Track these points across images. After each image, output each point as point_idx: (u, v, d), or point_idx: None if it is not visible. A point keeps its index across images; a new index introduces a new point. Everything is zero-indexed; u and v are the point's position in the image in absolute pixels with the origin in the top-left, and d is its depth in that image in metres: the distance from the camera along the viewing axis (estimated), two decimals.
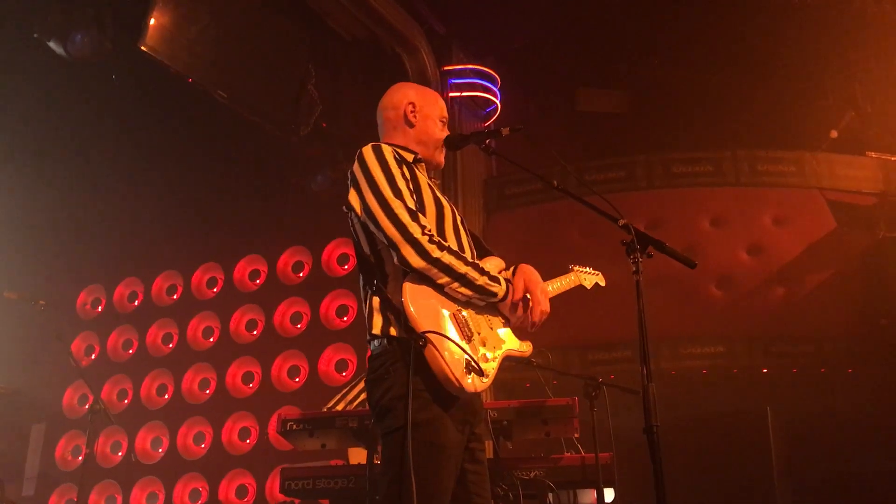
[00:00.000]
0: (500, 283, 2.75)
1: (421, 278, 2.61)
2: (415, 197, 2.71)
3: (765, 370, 7.31)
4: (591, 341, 7.37)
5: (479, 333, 2.68)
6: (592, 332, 7.23)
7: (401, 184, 2.67)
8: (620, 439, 4.37)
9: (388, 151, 2.76)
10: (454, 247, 2.74)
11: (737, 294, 7.39)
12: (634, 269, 2.64)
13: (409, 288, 2.58)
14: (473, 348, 2.62)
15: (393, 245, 2.59)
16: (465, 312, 2.69)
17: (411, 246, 2.57)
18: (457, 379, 2.49)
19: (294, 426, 4.29)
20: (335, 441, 4.33)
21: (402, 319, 2.55)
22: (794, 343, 7.31)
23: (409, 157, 2.89)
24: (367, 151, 2.76)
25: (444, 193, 3.11)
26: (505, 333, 2.82)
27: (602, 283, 3.55)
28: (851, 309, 7.28)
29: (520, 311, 2.82)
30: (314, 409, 5.72)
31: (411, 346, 2.50)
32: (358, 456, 4.85)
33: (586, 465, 4.11)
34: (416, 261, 2.57)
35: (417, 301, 2.57)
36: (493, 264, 2.94)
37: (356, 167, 2.75)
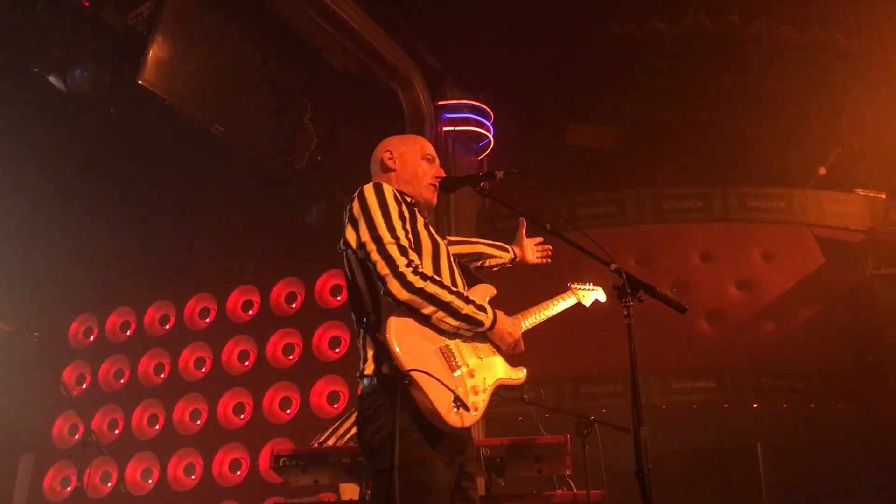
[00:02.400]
0: (486, 312, 2.80)
1: (407, 313, 2.67)
2: (410, 234, 2.80)
3: (755, 405, 7.34)
4: (583, 374, 7.39)
5: (466, 366, 2.72)
6: (584, 365, 7.27)
7: (396, 222, 2.76)
8: (612, 476, 4.39)
9: (388, 190, 2.85)
10: (447, 282, 2.80)
11: (727, 329, 7.45)
12: (626, 313, 2.69)
13: (393, 323, 2.65)
14: (461, 381, 2.66)
15: (381, 279, 2.67)
16: (451, 345, 2.73)
17: (397, 279, 2.64)
18: (444, 415, 2.53)
19: (287, 462, 4.29)
20: (328, 477, 4.32)
21: (389, 357, 2.60)
22: (784, 378, 7.36)
23: (409, 199, 3.01)
24: (368, 189, 2.84)
25: (437, 227, 3.19)
26: (495, 362, 2.85)
27: (602, 300, 3.56)
28: (840, 344, 7.35)
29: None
30: (305, 441, 5.72)
31: (398, 384, 2.55)
32: (350, 492, 4.84)
33: (578, 502, 4.12)
34: (400, 292, 2.64)
35: (402, 338, 2.62)
36: (482, 291, 3.00)
37: (356, 204, 2.82)
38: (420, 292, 2.65)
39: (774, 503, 6.42)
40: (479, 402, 2.68)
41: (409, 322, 2.67)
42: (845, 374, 7.28)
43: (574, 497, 4.18)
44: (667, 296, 2.73)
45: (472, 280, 3.10)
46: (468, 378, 2.70)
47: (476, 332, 2.82)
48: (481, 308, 2.79)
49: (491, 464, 4.12)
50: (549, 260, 3.58)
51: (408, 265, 2.67)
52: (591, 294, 3.59)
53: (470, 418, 2.61)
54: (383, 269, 2.67)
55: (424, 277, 2.68)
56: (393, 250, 2.69)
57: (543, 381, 5.21)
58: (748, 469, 6.18)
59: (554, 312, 3.31)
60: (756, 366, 7.37)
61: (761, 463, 6.19)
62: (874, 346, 7.20)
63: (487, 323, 2.79)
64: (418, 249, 2.81)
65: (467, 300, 2.76)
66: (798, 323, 7.41)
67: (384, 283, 2.66)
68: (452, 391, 2.56)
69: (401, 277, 2.65)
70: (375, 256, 2.69)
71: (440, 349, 2.69)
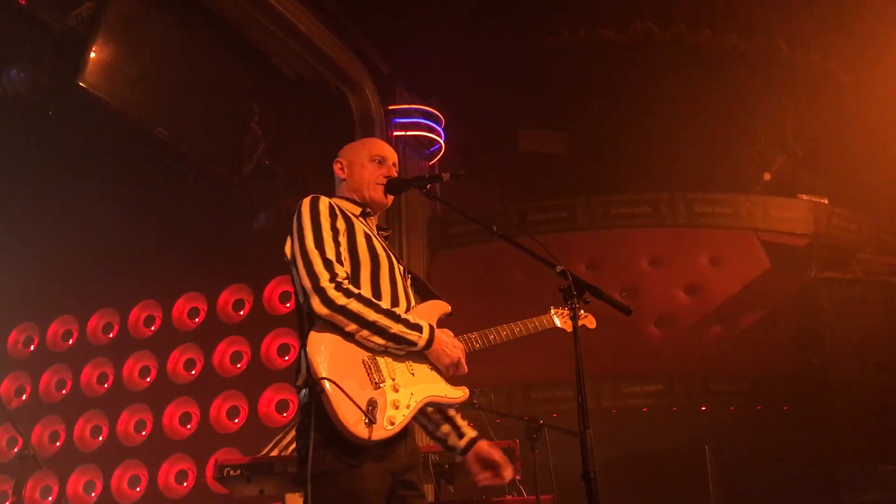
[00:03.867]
0: (420, 332, 2.73)
1: (329, 326, 2.62)
2: (341, 247, 2.75)
3: (703, 408, 7.43)
4: (534, 379, 7.41)
5: (392, 379, 2.66)
6: (535, 371, 7.28)
7: (326, 234, 2.72)
8: (561, 479, 4.39)
9: (323, 203, 2.82)
10: (387, 297, 2.77)
11: (675, 333, 7.54)
12: (571, 315, 2.68)
13: (313, 336, 2.60)
14: (381, 394, 2.60)
15: (305, 294, 2.64)
16: (378, 358, 2.67)
17: (317, 294, 2.60)
18: (350, 426, 2.49)
19: (231, 472, 4.19)
20: (273, 487, 4.24)
21: (308, 367, 2.56)
22: (732, 381, 7.47)
23: (357, 210, 2.96)
24: (305, 203, 2.82)
25: (387, 230, 3.14)
26: (430, 378, 2.79)
27: (591, 326, 3.36)
28: (785, 347, 7.48)
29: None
30: (254, 451, 5.61)
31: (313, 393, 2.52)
32: (296, 501, 4.76)
33: None
34: (320, 308, 2.59)
35: (320, 348, 2.58)
36: (435, 308, 2.96)
37: (294, 218, 2.81)
38: (341, 310, 2.60)
39: None
40: (399, 416, 2.62)
41: (329, 335, 2.62)
42: (791, 377, 7.41)
43: (524, 502, 4.16)
44: (612, 297, 2.72)
45: (427, 295, 3.05)
46: (391, 392, 2.64)
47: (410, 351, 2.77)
48: (415, 327, 2.72)
49: (440, 470, 4.09)
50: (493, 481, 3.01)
51: (330, 280, 2.62)
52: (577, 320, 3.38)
53: (382, 432, 2.55)
54: (306, 283, 2.63)
55: (349, 294, 2.62)
56: (317, 264, 2.64)
57: (494, 386, 5.18)
58: (697, 471, 6.24)
59: (524, 334, 3.14)
60: (704, 369, 7.47)
61: (709, 465, 6.24)
62: (818, 348, 7.35)
63: (421, 343, 2.72)
64: (355, 263, 2.77)
65: (398, 319, 2.69)
66: (745, 326, 7.53)
67: (307, 299, 2.62)
68: (356, 404, 2.51)
69: (321, 293, 2.60)
70: (301, 270, 2.66)
71: (363, 361, 2.64)
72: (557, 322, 3.33)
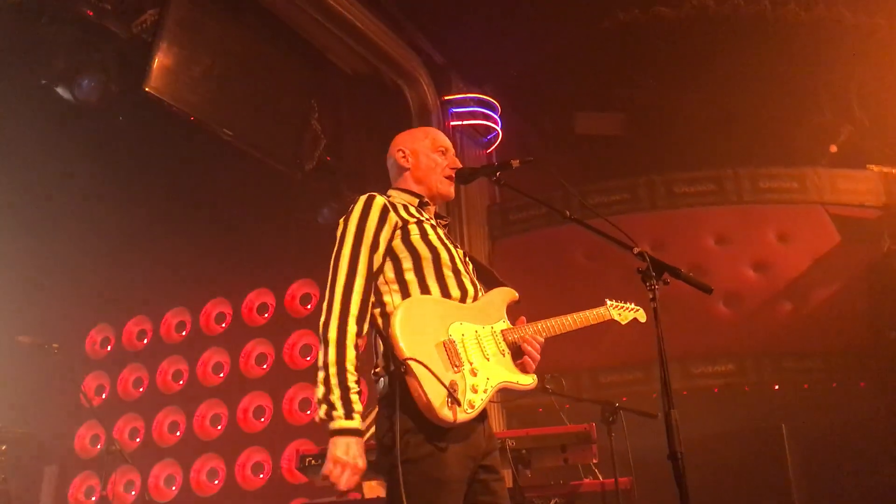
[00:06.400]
0: (341, 418, 2.54)
1: (407, 309, 2.64)
2: (381, 251, 2.73)
3: (776, 386, 7.30)
4: (602, 363, 7.36)
5: (470, 363, 2.68)
6: (604, 354, 7.23)
7: (364, 252, 2.69)
8: (638, 463, 4.37)
9: (377, 205, 2.79)
10: (453, 287, 2.77)
11: (745, 311, 7.40)
12: (651, 296, 2.67)
13: (398, 316, 2.60)
14: (462, 378, 2.62)
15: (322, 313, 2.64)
16: (457, 341, 2.69)
17: (322, 331, 2.57)
18: (437, 409, 2.51)
19: (312, 462, 4.31)
20: None
21: (391, 349, 2.57)
22: (804, 358, 7.31)
23: (414, 202, 2.97)
24: (358, 202, 2.82)
25: (446, 218, 3.13)
26: (502, 364, 2.80)
27: (642, 319, 3.38)
28: (859, 322, 7.29)
29: None
30: (326, 441, 5.71)
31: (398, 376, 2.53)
32: (374, 490, 4.84)
33: (606, 491, 4.11)
34: (322, 334, 2.57)
35: (405, 329, 2.59)
36: (501, 296, 2.96)
37: (342, 220, 2.81)
38: (327, 345, 2.56)
39: (801, 483, 6.39)
40: (477, 400, 2.64)
41: (413, 316, 2.64)
42: (866, 352, 7.22)
43: (602, 485, 4.17)
44: (692, 277, 2.71)
45: (492, 283, 3.06)
46: (469, 376, 2.66)
47: (484, 332, 2.78)
48: (348, 413, 2.53)
49: (517, 455, 4.11)
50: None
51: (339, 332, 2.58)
52: (629, 313, 3.39)
53: (463, 415, 2.57)
54: (324, 313, 2.61)
55: (345, 347, 2.56)
56: (335, 310, 2.61)
57: (562, 371, 5.18)
58: (775, 450, 6.15)
59: (580, 325, 3.09)
60: (775, 347, 7.32)
61: (787, 444, 6.15)
62: (894, 321, 7.15)
63: (332, 425, 2.55)
64: (415, 258, 2.76)
65: (345, 399, 2.53)
66: (816, 302, 7.36)
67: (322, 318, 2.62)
68: (446, 386, 2.53)
69: (324, 339, 2.56)
70: (326, 293, 2.66)
71: (444, 343, 2.65)
72: (613, 314, 3.33)
